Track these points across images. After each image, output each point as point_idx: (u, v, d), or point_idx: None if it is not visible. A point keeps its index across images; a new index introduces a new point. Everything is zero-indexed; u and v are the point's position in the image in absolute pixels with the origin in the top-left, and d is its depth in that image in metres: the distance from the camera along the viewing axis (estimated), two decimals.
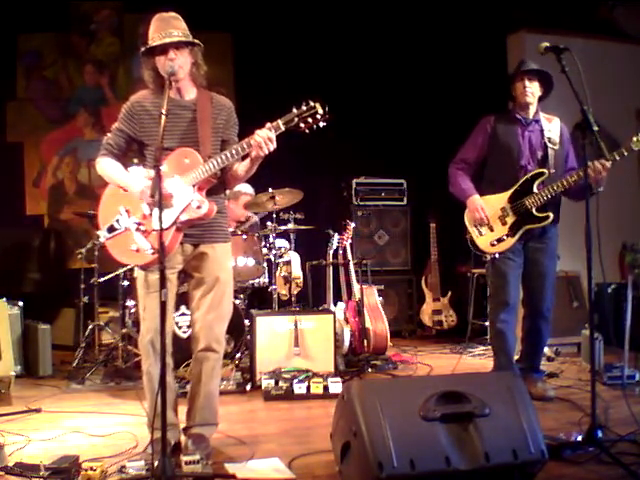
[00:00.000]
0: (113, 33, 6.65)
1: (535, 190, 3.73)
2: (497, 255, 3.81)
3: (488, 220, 3.82)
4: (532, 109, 3.85)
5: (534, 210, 3.73)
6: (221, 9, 6.31)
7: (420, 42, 6.52)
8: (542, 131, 3.83)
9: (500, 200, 3.82)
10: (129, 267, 4.47)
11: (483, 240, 3.85)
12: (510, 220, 3.78)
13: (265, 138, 2.71)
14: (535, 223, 3.75)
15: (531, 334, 3.92)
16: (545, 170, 3.74)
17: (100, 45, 6.65)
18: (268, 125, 2.74)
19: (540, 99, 3.88)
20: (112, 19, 6.63)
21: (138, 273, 2.97)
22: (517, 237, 3.77)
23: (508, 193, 3.80)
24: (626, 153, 3.40)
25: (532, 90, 3.78)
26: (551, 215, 3.73)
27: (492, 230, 3.82)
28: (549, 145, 3.80)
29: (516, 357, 4.04)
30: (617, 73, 6.31)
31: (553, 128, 3.85)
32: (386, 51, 6.61)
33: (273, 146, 2.74)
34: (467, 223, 3.91)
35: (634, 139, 3.37)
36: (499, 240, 3.80)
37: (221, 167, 2.80)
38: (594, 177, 3.39)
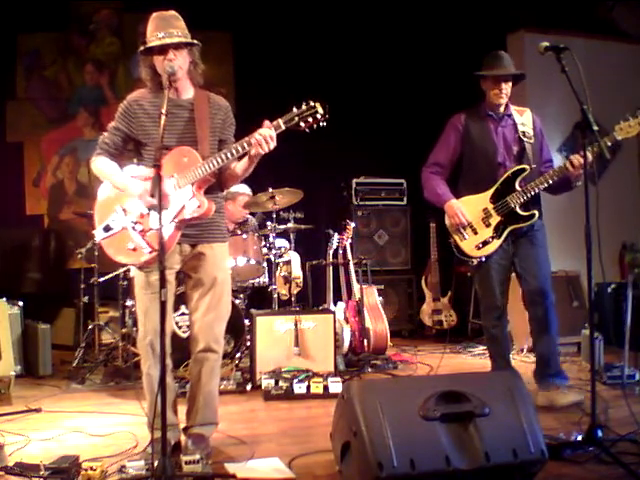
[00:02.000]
0: (113, 33, 6.65)
1: (517, 188, 3.58)
2: (484, 258, 3.66)
3: (469, 223, 3.66)
4: (503, 105, 3.74)
5: (518, 209, 3.59)
6: (221, 8, 6.31)
7: (420, 42, 6.53)
8: (515, 125, 3.70)
9: (481, 200, 3.66)
10: (127, 267, 4.48)
11: (467, 244, 3.68)
12: (494, 221, 3.63)
13: (266, 136, 2.71)
14: (520, 223, 3.61)
15: (538, 334, 3.69)
16: (526, 166, 3.60)
17: (100, 45, 6.65)
18: (268, 124, 2.74)
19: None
20: (112, 19, 6.63)
21: (136, 273, 2.96)
22: (503, 238, 3.63)
23: (489, 193, 3.65)
24: (610, 143, 3.24)
25: (507, 91, 3.67)
26: (537, 213, 3.60)
27: (476, 233, 3.66)
28: (524, 139, 3.66)
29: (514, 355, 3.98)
30: (617, 73, 6.31)
31: (526, 121, 3.71)
32: (386, 51, 6.61)
33: (274, 144, 2.74)
34: (449, 229, 3.76)
35: (616, 127, 3.26)
36: (484, 243, 3.65)
37: (220, 166, 2.80)
38: (573, 172, 3.38)
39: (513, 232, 3.65)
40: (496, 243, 3.64)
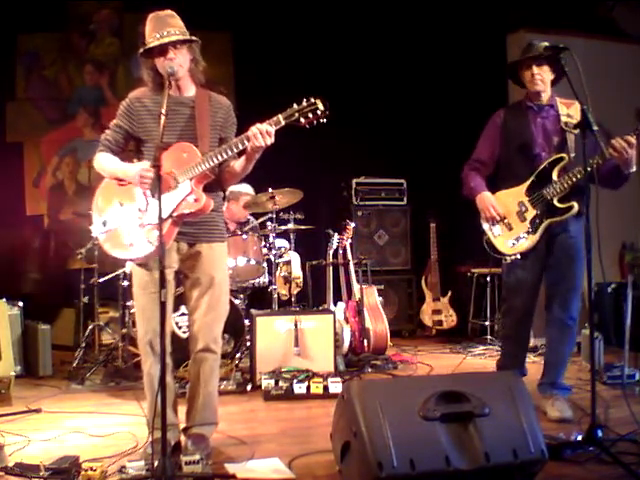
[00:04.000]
0: (113, 33, 6.65)
1: (555, 178, 3.35)
2: (519, 256, 3.44)
3: (503, 217, 3.47)
4: (545, 95, 3.49)
5: (555, 201, 3.34)
6: (221, 8, 6.31)
7: (420, 42, 6.52)
8: (558, 116, 3.44)
9: (517, 194, 3.45)
10: (127, 267, 4.48)
11: (501, 241, 3.49)
12: (530, 215, 3.41)
13: (262, 130, 2.70)
14: (557, 216, 3.35)
15: (551, 343, 3.58)
16: (564, 155, 3.35)
17: (100, 45, 6.65)
18: (268, 121, 2.74)
19: (552, 83, 3.50)
20: (112, 19, 6.63)
21: (134, 271, 2.96)
22: (539, 234, 3.39)
23: (525, 185, 3.44)
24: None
25: (542, 76, 3.41)
26: (575, 205, 3.31)
27: (510, 229, 3.46)
28: (566, 129, 3.39)
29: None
30: (617, 73, 6.30)
31: (573, 112, 3.42)
32: (386, 51, 6.61)
33: (271, 140, 2.72)
34: (483, 225, 3.57)
35: None
36: (518, 239, 3.44)
37: (220, 162, 2.80)
38: (620, 157, 3.10)
39: (549, 230, 3.43)
40: (531, 239, 3.42)
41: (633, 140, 3.08)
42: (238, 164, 2.91)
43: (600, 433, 2.81)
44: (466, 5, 6.20)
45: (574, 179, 3.30)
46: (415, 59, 6.55)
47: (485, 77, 5.89)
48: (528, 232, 3.43)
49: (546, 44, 3.00)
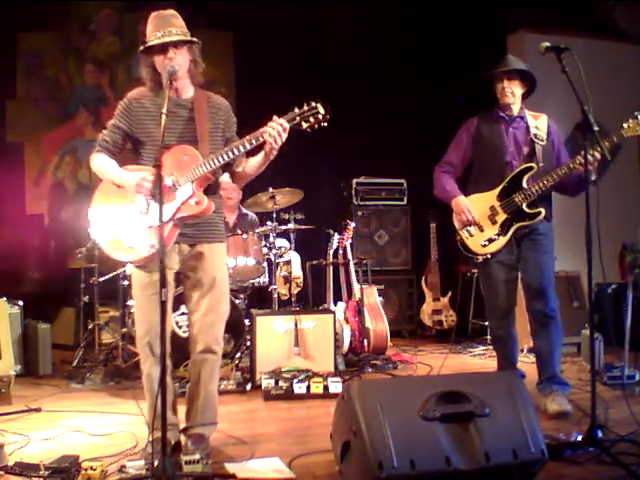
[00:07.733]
0: (113, 32, 6.65)
1: (524, 185, 3.59)
2: (489, 256, 3.67)
3: (476, 220, 3.69)
4: (515, 107, 3.72)
5: (524, 206, 3.59)
6: (222, 8, 6.31)
7: (420, 42, 6.53)
8: (527, 127, 3.69)
9: (488, 198, 3.69)
10: (127, 266, 4.47)
11: (473, 241, 3.72)
12: (500, 219, 3.65)
13: (279, 129, 2.71)
14: (526, 220, 3.61)
15: (539, 340, 3.66)
16: (534, 164, 3.60)
17: (100, 44, 6.64)
18: (275, 117, 2.74)
19: (524, 96, 3.75)
20: (112, 18, 6.63)
21: (134, 272, 2.95)
22: (509, 236, 3.63)
23: (496, 191, 3.67)
24: (616, 139, 3.27)
25: (511, 90, 3.66)
26: (543, 211, 3.59)
27: (482, 230, 3.69)
28: (536, 141, 3.66)
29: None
30: (617, 73, 6.31)
31: (540, 125, 3.71)
32: (386, 51, 6.61)
33: (285, 136, 2.74)
34: (456, 225, 3.79)
35: (624, 126, 3.27)
36: (490, 240, 3.67)
37: (223, 164, 2.80)
38: (582, 169, 3.27)
39: (519, 231, 3.64)
40: (502, 240, 3.65)
41: (597, 155, 3.26)
42: (254, 164, 2.92)
43: (600, 433, 2.82)
44: (466, 5, 6.20)
45: (543, 188, 3.55)
46: (415, 59, 6.55)
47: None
48: (499, 234, 3.68)
49: (547, 44, 3.00)
